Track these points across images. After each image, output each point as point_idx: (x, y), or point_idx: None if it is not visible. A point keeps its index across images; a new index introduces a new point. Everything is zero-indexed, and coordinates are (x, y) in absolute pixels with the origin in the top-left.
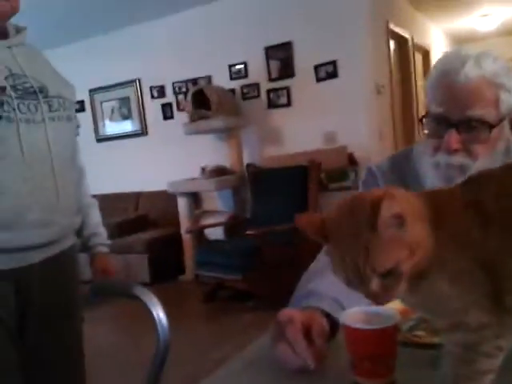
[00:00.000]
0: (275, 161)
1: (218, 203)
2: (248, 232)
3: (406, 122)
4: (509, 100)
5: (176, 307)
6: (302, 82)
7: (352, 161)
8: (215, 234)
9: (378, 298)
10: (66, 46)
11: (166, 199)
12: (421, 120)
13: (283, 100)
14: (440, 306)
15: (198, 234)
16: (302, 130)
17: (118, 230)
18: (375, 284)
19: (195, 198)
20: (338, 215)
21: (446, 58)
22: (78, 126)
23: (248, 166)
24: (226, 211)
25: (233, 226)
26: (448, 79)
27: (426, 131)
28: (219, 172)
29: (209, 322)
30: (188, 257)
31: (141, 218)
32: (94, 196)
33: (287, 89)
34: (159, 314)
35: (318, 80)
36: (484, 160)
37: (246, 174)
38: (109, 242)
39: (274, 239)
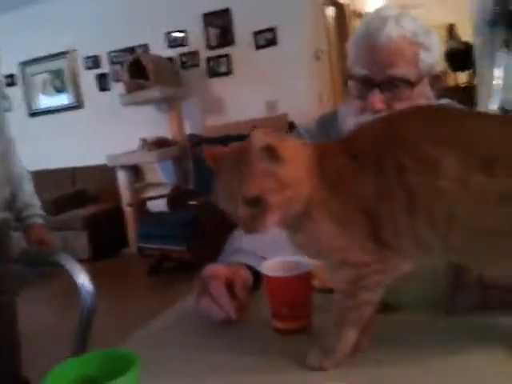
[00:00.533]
0: (217, 130)
1: (161, 175)
2: (190, 202)
3: (346, 86)
4: (428, 59)
5: (120, 280)
6: (242, 50)
7: (292, 128)
8: (159, 206)
9: (247, 226)
10: None
11: (105, 173)
12: (346, 82)
13: (223, 68)
14: (324, 245)
15: (140, 206)
16: (243, 99)
17: (55, 207)
18: (242, 210)
19: (136, 171)
20: (230, 149)
21: (367, 19)
22: (4, 98)
23: (190, 136)
24: (168, 183)
25: (175, 198)
26: (370, 40)
27: (350, 92)
28: (160, 143)
29: (154, 294)
30: (131, 230)
31: (78, 193)
32: (29, 173)
33: (227, 57)
34: (83, 280)
35: (258, 47)
36: None
37: (187, 144)
38: (43, 212)
39: (216, 208)
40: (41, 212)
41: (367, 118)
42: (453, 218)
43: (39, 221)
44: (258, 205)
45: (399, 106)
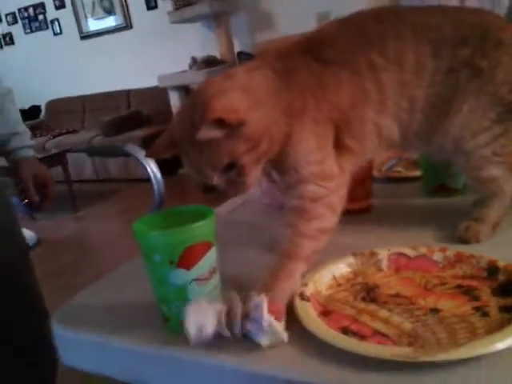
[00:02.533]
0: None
1: None
2: None
3: None
4: None
5: (178, 198)
6: None
7: None
8: None
9: (230, 191)
10: None
11: (157, 95)
12: None
13: None
14: (300, 159)
15: None
16: (293, 12)
17: (112, 128)
18: (217, 180)
19: (187, 92)
20: (179, 121)
21: None
22: None
23: (239, 54)
24: None
25: None
26: None
27: None
28: (210, 63)
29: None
30: None
31: (134, 114)
32: (84, 97)
33: None
34: (152, 168)
35: None
36: (473, 2)
37: (237, 62)
38: (34, 142)
39: None
40: (31, 142)
41: (432, 1)
42: (413, 104)
43: (30, 153)
44: (233, 170)
45: None
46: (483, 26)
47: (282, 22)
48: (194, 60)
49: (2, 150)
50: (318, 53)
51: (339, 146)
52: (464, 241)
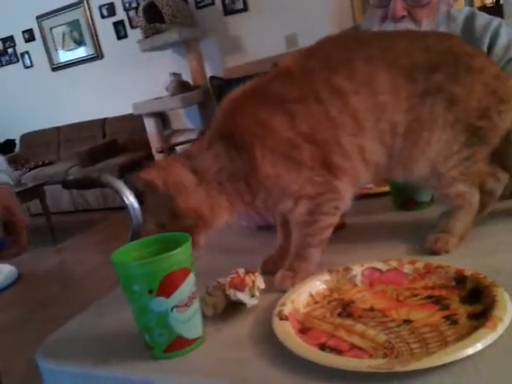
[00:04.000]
0: (238, 70)
1: (186, 121)
2: None
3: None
4: None
5: None
6: None
7: None
8: None
9: None
10: None
11: (132, 122)
12: None
13: (239, 5)
14: (282, 193)
15: (170, 153)
16: (262, 35)
17: (88, 158)
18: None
19: (162, 118)
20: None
21: None
22: None
23: (211, 78)
24: (194, 128)
25: None
26: None
27: (371, 2)
28: (183, 87)
29: None
30: None
31: (109, 143)
32: (59, 128)
33: None
34: (129, 197)
35: None
36: (428, 24)
37: (210, 87)
38: (9, 168)
39: None
40: (5, 167)
41: (389, 26)
42: (394, 127)
43: (5, 180)
44: (175, 221)
45: (420, 12)
46: (454, 52)
47: (252, 46)
48: (170, 83)
49: None
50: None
51: (329, 166)
52: (434, 252)
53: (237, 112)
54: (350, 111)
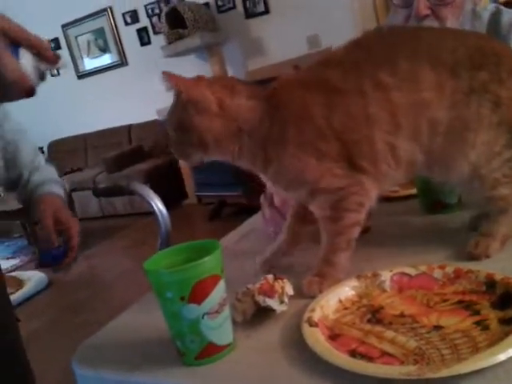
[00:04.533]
0: (260, 73)
1: None
2: None
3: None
4: None
5: (183, 228)
6: None
7: None
8: None
9: (176, 152)
10: None
11: (157, 128)
12: None
13: (260, 8)
14: (297, 180)
15: None
16: (284, 37)
17: (115, 164)
18: (171, 136)
19: None
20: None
21: None
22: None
23: None
24: None
25: None
26: None
27: (395, 1)
28: None
29: (214, 237)
30: (188, 181)
31: (136, 149)
32: (86, 135)
33: None
34: (158, 204)
35: None
36: (452, 23)
37: None
38: (59, 179)
39: None
40: (56, 177)
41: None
42: (435, 125)
43: (55, 189)
44: (183, 132)
45: (444, 10)
46: (496, 53)
47: (274, 48)
48: None
49: (22, 196)
50: (322, 80)
51: (353, 167)
52: (474, 257)
53: (288, 89)
54: (390, 107)
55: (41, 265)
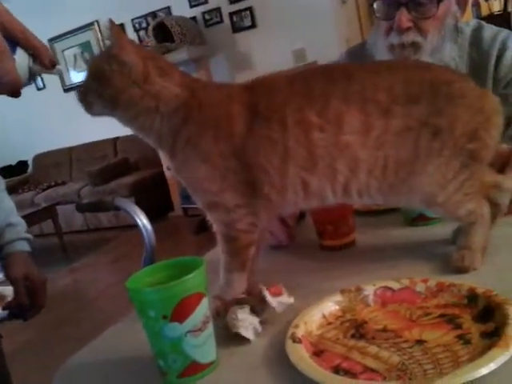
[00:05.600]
0: None
1: None
2: None
3: (371, 13)
4: None
5: (169, 241)
6: (265, 0)
7: None
8: None
9: (79, 97)
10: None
11: (144, 141)
12: (371, 4)
13: (247, 22)
14: (197, 185)
15: None
16: (270, 51)
17: (100, 178)
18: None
19: None
20: None
21: None
22: None
23: None
24: None
25: None
26: None
27: (377, 14)
28: None
29: (200, 250)
30: (174, 194)
31: (121, 162)
32: (71, 148)
33: (250, 9)
34: (143, 220)
35: None
36: (434, 36)
37: None
38: (30, 236)
39: None
40: (27, 235)
41: (394, 38)
42: (357, 165)
43: (26, 247)
44: (97, 81)
45: (426, 24)
46: (432, 82)
47: (260, 62)
48: None
49: None
50: (254, 98)
51: (258, 192)
52: (462, 270)
53: (219, 95)
54: (309, 145)
55: (9, 317)
